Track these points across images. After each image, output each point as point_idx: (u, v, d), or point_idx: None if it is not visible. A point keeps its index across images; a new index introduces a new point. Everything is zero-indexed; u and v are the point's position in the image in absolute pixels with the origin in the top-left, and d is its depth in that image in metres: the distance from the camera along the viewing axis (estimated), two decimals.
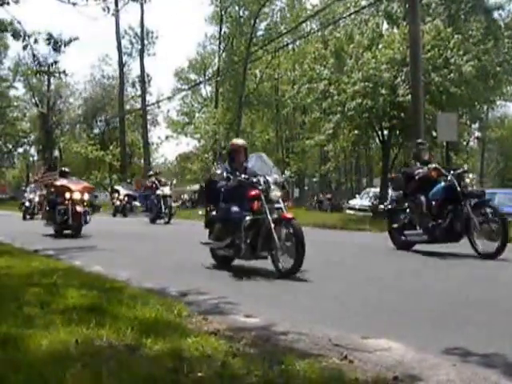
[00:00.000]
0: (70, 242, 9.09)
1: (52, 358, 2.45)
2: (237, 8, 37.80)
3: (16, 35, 7.48)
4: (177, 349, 2.63)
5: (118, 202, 20.07)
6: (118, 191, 20.99)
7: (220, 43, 38.92)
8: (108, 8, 7.10)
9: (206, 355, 2.55)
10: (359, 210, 21.62)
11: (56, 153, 40.88)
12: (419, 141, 8.81)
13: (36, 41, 7.44)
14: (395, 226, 7.52)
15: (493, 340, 3.02)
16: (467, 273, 5.76)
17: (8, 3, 7.24)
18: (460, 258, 6.62)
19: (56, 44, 7.51)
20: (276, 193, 5.46)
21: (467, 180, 6.77)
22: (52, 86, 38.92)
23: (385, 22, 22.99)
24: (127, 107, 36.80)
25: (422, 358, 2.66)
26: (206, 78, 41.70)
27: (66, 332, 2.85)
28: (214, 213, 6.15)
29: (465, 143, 22.56)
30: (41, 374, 2.24)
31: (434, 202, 6.93)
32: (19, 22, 7.88)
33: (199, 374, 2.31)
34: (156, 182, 15.62)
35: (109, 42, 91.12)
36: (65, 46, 7.65)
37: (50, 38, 7.59)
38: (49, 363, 2.37)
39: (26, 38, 7.45)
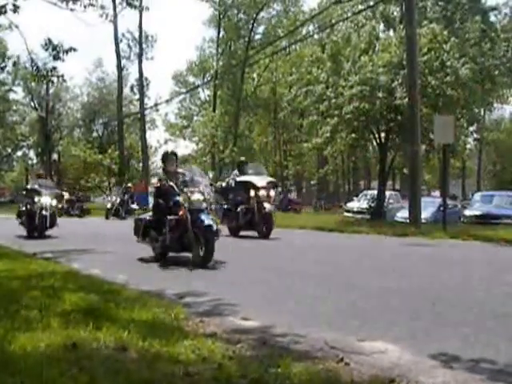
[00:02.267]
0: None
1: (49, 360, 2.46)
2: (235, 12, 37.90)
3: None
4: (173, 351, 2.64)
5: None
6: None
7: (218, 47, 39.00)
8: (106, 14, 7.13)
9: (203, 358, 2.56)
10: (357, 212, 21.61)
11: (55, 156, 40.90)
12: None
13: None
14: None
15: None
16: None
17: (6, 12, 7.27)
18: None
19: (54, 50, 7.53)
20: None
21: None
22: (51, 90, 38.91)
23: (381, 25, 23.06)
24: (125, 110, 36.79)
25: (418, 361, 2.68)
26: (205, 81, 41.77)
27: (63, 335, 2.86)
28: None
29: (463, 144, 22.61)
30: (38, 376, 2.26)
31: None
32: (17, 27, 7.92)
33: (196, 377, 2.32)
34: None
35: (107, 46, 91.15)
36: (63, 53, 7.67)
37: (48, 43, 7.61)
38: (46, 366, 2.38)
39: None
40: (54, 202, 11.27)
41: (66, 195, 22.63)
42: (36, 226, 10.71)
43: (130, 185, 23.79)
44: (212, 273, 6.01)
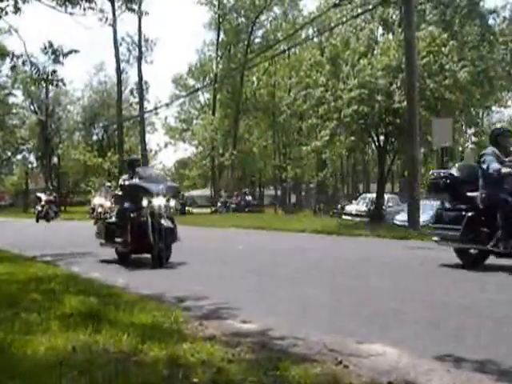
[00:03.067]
0: None
1: (48, 364, 2.47)
2: (234, 15, 38.02)
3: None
4: (173, 355, 2.64)
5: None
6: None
7: (218, 50, 39.09)
8: (106, 18, 7.17)
9: (202, 361, 2.57)
10: (356, 215, 21.63)
11: (55, 160, 40.91)
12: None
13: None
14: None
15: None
16: None
17: (6, 13, 7.29)
18: None
19: (54, 53, 7.56)
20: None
21: None
22: (51, 94, 38.98)
23: (380, 29, 23.15)
24: (125, 113, 36.82)
25: (416, 363, 2.68)
26: (204, 84, 41.84)
27: (62, 338, 2.87)
28: None
29: (460, 148, 22.79)
30: (37, 380, 2.26)
31: None
32: (16, 31, 7.94)
33: (195, 380, 2.33)
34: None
35: (107, 49, 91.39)
36: (63, 57, 7.69)
37: (49, 46, 7.63)
38: (45, 370, 2.38)
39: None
40: (173, 203, 7.20)
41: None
42: (149, 245, 6.58)
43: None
44: None
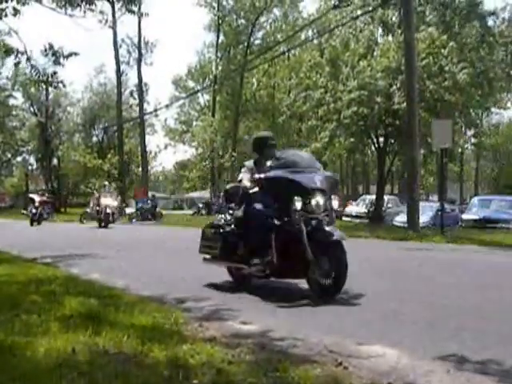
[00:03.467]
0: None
1: (48, 365, 2.47)
2: (234, 17, 38.07)
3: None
4: (173, 356, 2.64)
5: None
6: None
7: (217, 52, 39.14)
8: (106, 20, 7.18)
9: (202, 362, 2.57)
10: (355, 216, 21.64)
11: (55, 161, 40.93)
12: None
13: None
14: None
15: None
16: None
17: (6, 15, 7.30)
18: None
19: (54, 55, 7.56)
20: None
21: None
22: (50, 96, 39.05)
23: (380, 30, 23.17)
24: (125, 115, 36.84)
25: (416, 365, 2.69)
26: (204, 86, 41.90)
27: (62, 340, 2.87)
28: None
29: (460, 150, 22.79)
30: (37, 381, 2.26)
31: None
32: (16, 32, 7.94)
33: (195, 381, 2.33)
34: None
35: (107, 51, 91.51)
36: (63, 59, 7.69)
37: (49, 48, 7.64)
38: (45, 371, 2.39)
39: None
40: (336, 203, 4.41)
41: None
42: (306, 265, 4.43)
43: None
44: None
